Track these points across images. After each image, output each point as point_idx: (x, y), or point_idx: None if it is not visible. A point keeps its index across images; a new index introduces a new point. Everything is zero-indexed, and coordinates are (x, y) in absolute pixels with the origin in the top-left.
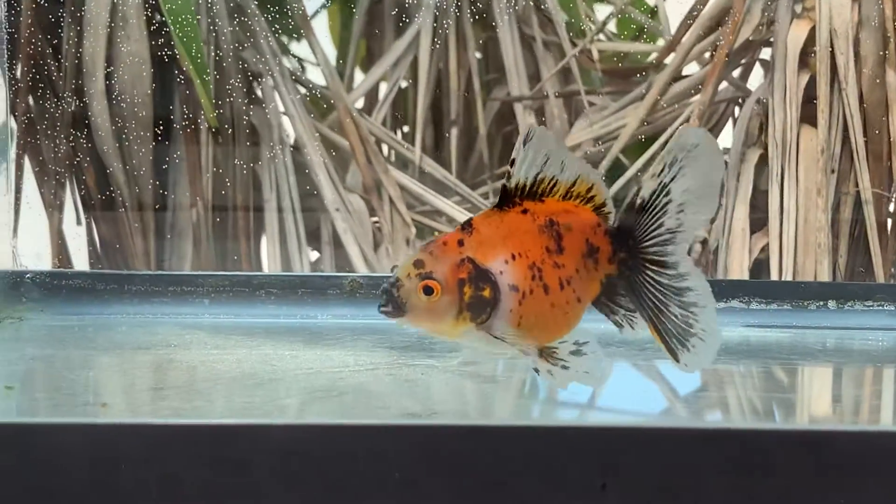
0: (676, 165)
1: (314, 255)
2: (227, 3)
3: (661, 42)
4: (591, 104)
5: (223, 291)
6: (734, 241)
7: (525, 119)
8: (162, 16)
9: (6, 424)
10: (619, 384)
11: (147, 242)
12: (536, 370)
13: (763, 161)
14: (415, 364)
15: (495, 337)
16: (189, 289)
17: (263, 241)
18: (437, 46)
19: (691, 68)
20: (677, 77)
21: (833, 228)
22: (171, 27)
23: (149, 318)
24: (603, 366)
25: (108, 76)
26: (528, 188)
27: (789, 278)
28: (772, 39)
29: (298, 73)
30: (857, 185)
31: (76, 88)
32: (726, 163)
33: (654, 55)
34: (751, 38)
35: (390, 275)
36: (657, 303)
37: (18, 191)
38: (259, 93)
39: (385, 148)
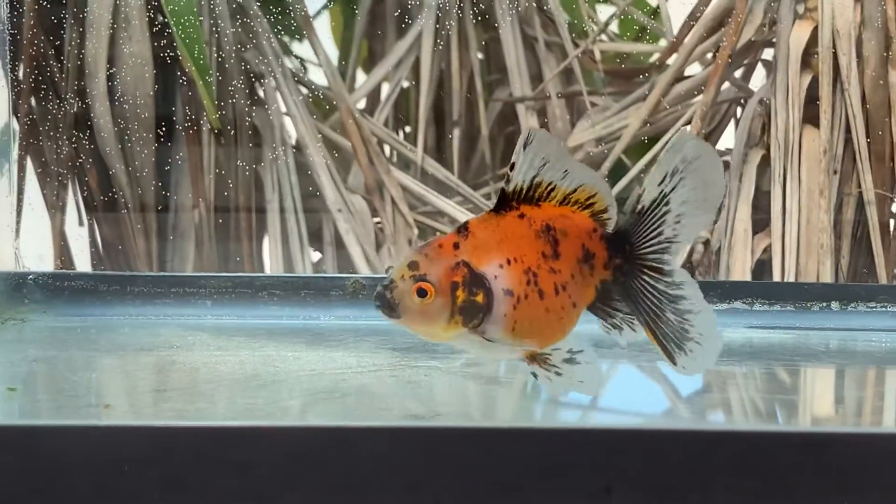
0: (678, 176)
1: (316, 255)
2: (229, 4)
3: (663, 43)
4: (593, 105)
5: (226, 293)
6: (736, 242)
7: (527, 120)
8: (164, 17)
9: (9, 426)
10: (621, 385)
11: (149, 243)
12: (534, 374)
13: (765, 162)
14: (417, 365)
15: (487, 341)
16: (191, 290)
17: (265, 241)
18: (440, 47)
19: (693, 69)
20: (679, 77)
21: (835, 229)
22: (174, 28)
23: (151, 319)
24: (597, 375)
25: (110, 77)
26: (525, 192)
27: (792, 279)
28: (774, 40)
29: (300, 74)
30: (859, 186)
31: (78, 89)
32: (727, 164)
33: (656, 56)
34: (753, 39)
35: (385, 275)
36: (653, 308)
37: (21, 192)
38: (261, 94)
39: (387, 148)
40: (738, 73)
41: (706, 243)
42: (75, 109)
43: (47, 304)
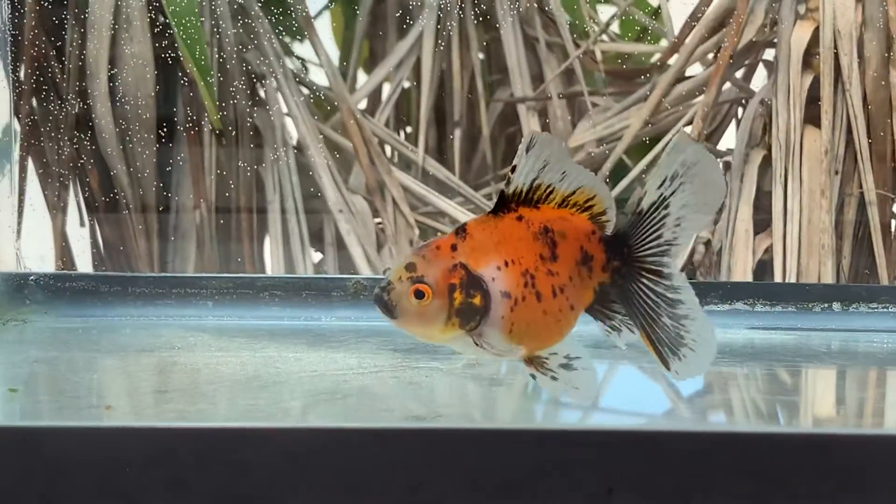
0: (678, 180)
1: (317, 256)
2: (230, 4)
3: (664, 43)
4: (594, 105)
5: (227, 293)
6: (738, 243)
7: (528, 120)
8: (165, 17)
9: (10, 427)
10: (623, 386)
11: (150, 244)
12: (533, 376)
13: (767, 162)
14: (419, 366)
15: (483, 344)
16: (193, 291)
17: (267, 242)
18: (441, 48)
19: (695, 69)
20: (681, 78)
21: (837, 230)
22: (175, 29)
23: (153, 320)
24: (592, 382)
25: (111, 78)
26: (524, 194)
27: (793, 280)
28: (775, 40)
29: (302, 75)
30: (860, 187)
31: (80, 90)
32: (728, 164)
33: (657, 56)
34: (754, 39)
35: (383, 277)
36: (649, 311)
37: (22, 193)
38: (262, 94)
39: (388, 149)
40: (739, 74)
41: (707, 244)
42: (76, 110)
43: (49, 304)
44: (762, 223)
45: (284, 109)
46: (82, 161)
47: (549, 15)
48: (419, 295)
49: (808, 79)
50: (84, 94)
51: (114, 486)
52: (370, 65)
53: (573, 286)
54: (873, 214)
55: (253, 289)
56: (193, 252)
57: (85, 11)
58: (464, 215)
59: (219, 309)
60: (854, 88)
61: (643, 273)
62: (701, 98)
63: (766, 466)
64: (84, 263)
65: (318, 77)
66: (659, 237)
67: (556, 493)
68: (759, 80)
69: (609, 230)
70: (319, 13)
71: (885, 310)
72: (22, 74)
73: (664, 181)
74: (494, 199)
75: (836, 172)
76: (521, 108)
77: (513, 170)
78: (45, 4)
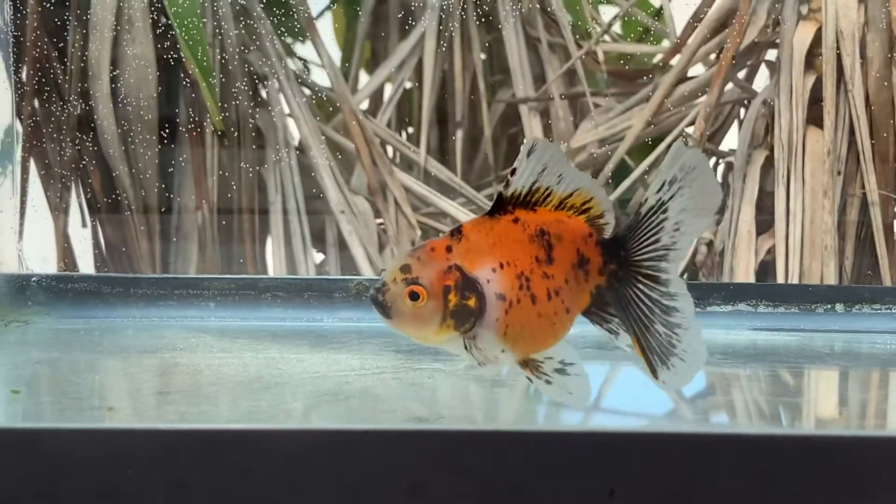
0: (676, 184)
1: (319, 257)
2: (232, 5)
3: (666, 44)
4: (596, 106)
5: (229, 295)
6: (740, 243)
7: (530, 121)
8: (167, 18)
9: (12, 429)
10: (624, 387)
11: (152, 245)
12: (530, 378)
13: (769, 163)
14: (421, 368)
15: (474, 348)
16: (195, 292)
17: (268, 243)
18: (443, 48)
19: (697, 70)
20: (683, 78)
21: (839, 230)
22: (177, 30)
23: (155, 321)
24: (586, 387)
25: (113, 79)
26: (522, 197)
27: (795, 280)
28: (778, 41)
29: (303, 76)
30: (863, 187)
31: (82, 91)
32: (730, 165)
33: (659, 57)
34: (756, 40)
35: (378, 278)
36: (643, 317)
37: (24, 194)
38: (264, 95)
39: (390, 150)
40: (741, 74)
41: (710, 244)
42: (78, 111)
43: (51, 306)
44: (765, 224)
45: (286, 110)
46: (84, 162)
47: (552, 15)
48: (414, 296)
49: (811, 79)
50: (86, 95)
51: (116, 487)
52: (372, 65)
53: (569, 289)
54: (876, 215)
55: (255, 290)
56: (195, 253)
57: (87, 12)
58: (465, 216)
59: (221, 310)
60: (856, 89)
61: (639, 278)
62: (703, 99)
63: (769, 468)
64: (86, 264)
65: (320, 78)
66: (657, 242)
67: (557, 494)
68: (762, 80)
69: (608, 233)
70: (321, 14)
71: (889, 311)
72: (24, 75)
73: (662, 186)
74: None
75: (839, 173)
76: (523, 109)
77: (512, 172)
78: (48, 5)
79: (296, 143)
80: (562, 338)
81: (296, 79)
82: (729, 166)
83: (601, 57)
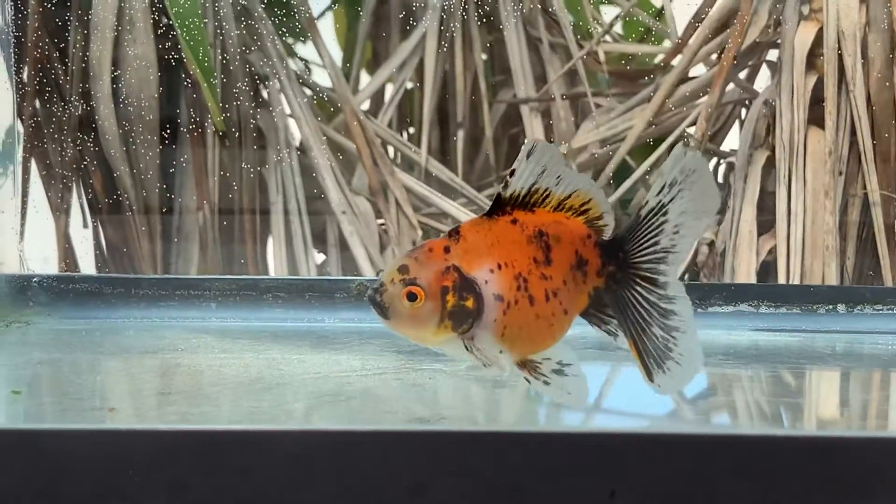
0: (676, 187)
1: (320, 257)
2: (233, 6)
3: (667, 44)
4: (597, 106)
5: (230, 295)
6: (741, 243)
7: (531, 121)
8: (169, 19)
9: (14, 430)
10: (626, 387)
11: (153, 245)
12: (527, 380)
13: (770, 163)
14: (422, 368)
15: (475, 349)
16: (196, 292)
17: (270, 243)
18: (444, 49)
19: (698, 70)
20: (684, 79)
21: (841, 231)
22: (178, 30)
23: (156, 322)
24: (584, 388)
25: (114, 79)
26: (520, 198)
27: (797, 281)
28: (779, 41)
29: (305, 76)
30: (864, 188)
31: (83, 92)
32: (731, 165)
33: (660, 57)
34: (758, 40)
35: (376, 278)
36: (640, 320)
37: (25, 194)
38: (265, 96)
39: (391, 150)
40: (742, 75)
41: (711, 245)
42: (79, 112)
43: (52, 306)
44: (766, 224)
45: (287, 111)
46: (85, 163)
47: (553, 16)
48: (412, 297)
49: (812, 80)
50: (87, 96)
51: (117, 488)
52: (373, 66)
53: (567, 290)
54: (877, 215)
55: (256, 290)
56: (196, 253)
57: (88, 13)
58: (466, 216)
59: (222, 311)
60: (858, 89)
61: (638, 280)
62: (704, 99)
63: (770, 469)
64: (87, 265)
65: (322, 78)
66: (656, 244)
67: (558, 495)
68: (763, 80)
69: (607, 235)
70: (322, 14)
71: (890, 312)
72: (25, 76)
73: (663, 188)
74: None
75: (840, 173)
76: (525, 109)
77: (511, 173)
78: (49, 6)
79: (297, 143)
80: (560, 339)
81: (297, 79)
82: (730, 167)
83: (602, 57)
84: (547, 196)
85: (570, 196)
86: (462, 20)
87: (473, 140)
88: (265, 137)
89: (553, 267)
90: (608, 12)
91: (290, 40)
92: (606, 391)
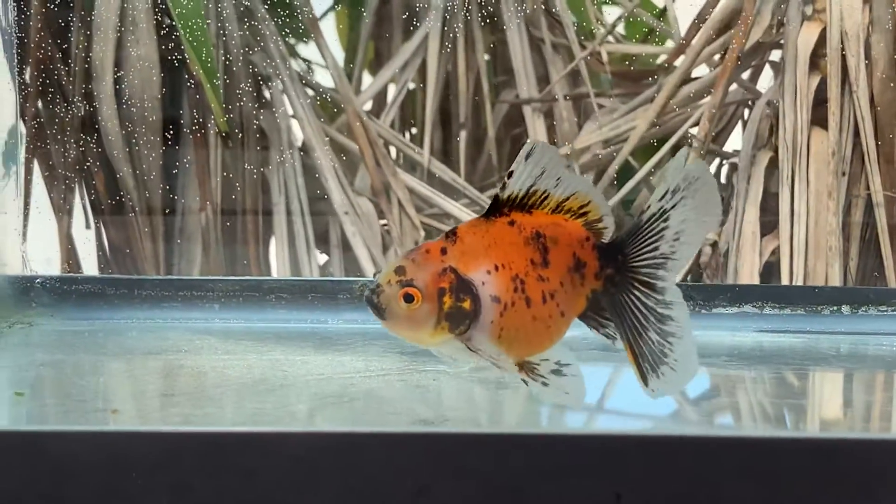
0: (679, 193)
1: (323, 258)
2: (236, 6)
3: (670, 44)
4: (600, 107)
5: (233, 296)
6: (744, 244)
7: (534, 122)
8: (171, 19)
9: (16, 432)
10: (628, 388)
11: (156, 246)
12: (525, 381)
13: (773, 164)
14: (426, 370)
15: (473, 349)
16: (199, 294)
17: (272, 244)
18: (448, 49)
19: (701, 70)
20: (687, 79)
21: (844, 231)
22: (181, 31)
23: (159, 323)
24: (582, 388)
25: (117, 80)
26: (518, 199)
27: (800, 281)
28: (782, 41)
29: (307, 77)
30: (868, 188)
31: (85, 92)
32: (734, 166)
33: (663, 57)
34: (761, 41)
35: (366, 279)
36: (637, 324)
37: (28, 195)
38: (268, 96)
39: (393, 151)
40: (745, 75)
41: (714, 245)
42: (82, 112)
43: (55, 307)
44: (769, 225)
45: (290, 111)
46: (88, 163)
47: (555, 16)
48: (408, 299)
49: (815, 80)
50: (90, 97)
51: (120, 490)
52: (375, 66)
53: (564, 292)
54: (881, 216)
55: (259, 291)
56: (199, 254)
57: (91, 13)
58: (469, 217)
59: (225, 312)
60: (861, 90)
61: (636, 284)
62: (708, 99)
63: (775, 471)
64: (90, 266)
65: (324, 79)
66: (655, 249)
67: (564, 498)
68: (766, 81)
69: (606, 238)
70: (324, 14)
71: (895, 313)
72: (28, 76)
73: (665, 194)
74: None
75: (844, 174)
76: (527, 110)
77: (509, 175)
78: (51, 6)
79: (299, 144)
80: (557, 341)
81: (299, 80)
82: (733, 167)
83: (605, 58)
84: (545, 198)
85: (568, 198)
86: (465, 21)
87: (476, 140)
88: (268, 138)
89: (550, 269)
90: (611, 13)
91: (292, 41)
92: (610, 392)
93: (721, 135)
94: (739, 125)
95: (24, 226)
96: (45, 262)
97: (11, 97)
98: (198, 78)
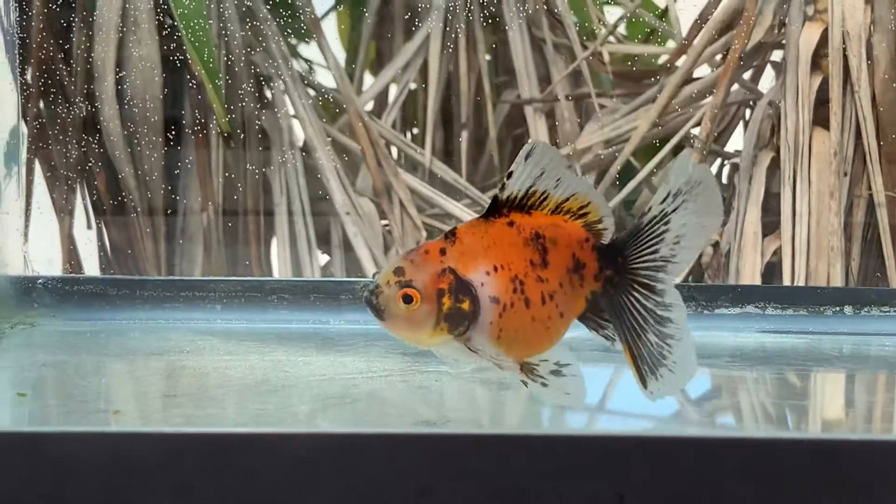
0: (680, 197)
1: (324, 258)
2: (237, 7)
3: (672, 44)
4: (602, 107)
5: (235, 297)
6: (746, 245)
7: (535, 122)
8: (173, 20)
9: (18, 433)
10: (631, 389)
11: (157, 247)
12: (525, 382)
13: (775, 164)
14: (428, 370)
15: (472, 350)
16: (201, 294)
17: (274, 244)
18: (450, 50)
19: (703, 70)
20: (689, 79)
21: (846, 232)
22: (183, 31)
23: (161, 323)
24: (582, 388)
25: (119, 80)
26: (517, 200)
27: (802, 282)
28: (784, 42)
29: (309, 77)
30: (869, 188)
31: (87, 93)
32: (736, 166)
33: (665, 57)
34: (763, 41)
35: (371, 280)
36: (636, 326)
37: (29, 195)
38: (270, 96)
39: (395, 151)
40: (747, 75)
41: (715, 246)
42: (84, 113)
43: (57, 308)
44: (771, 225)
45: (292, 112)
46: (90, 164)
47: (557, 16)
48: (407, 299)
49: (817, 80)
50: (91, 97)
51: (122, 491)
52: (377, 66)
53: (563, 293)
54: (882, 216)
55: (261, 292)
56: (200, 255)
57: (92, 14)
58: (470, 217)
59: (227, 312)
60: (863, 90)
61: (635, 286)
62: (709, 100)
63: (776, 472)
64: (91, 266)
65: (326, 79)
66: (655, 252)
67: (567, 499)
68: (768, 81)
69: (606, 239)
70: (325, 14)
71: None
72: (29, 77)
73: (667, 197)
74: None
75: (845, 174)
76: (529, 110)
77: (509, 175)
78: (53, 7)
79: (301, 144)
80: (556, 342)
81: (301, 80)
82: (735, 167)
83: (607, 58)
84: (545, 199)
85: (568, 199)
86: (466, 21)
87: (477, 141)
88: (269, 138)
89: (549, 270)
90: (612, 13)
91: (294, 41)
92: (611, 392)
93: (723, 135)
94: (741, 125)
95: (26, 226)
96: (47, 262)
97: (13, 97)
98: (199, 78)
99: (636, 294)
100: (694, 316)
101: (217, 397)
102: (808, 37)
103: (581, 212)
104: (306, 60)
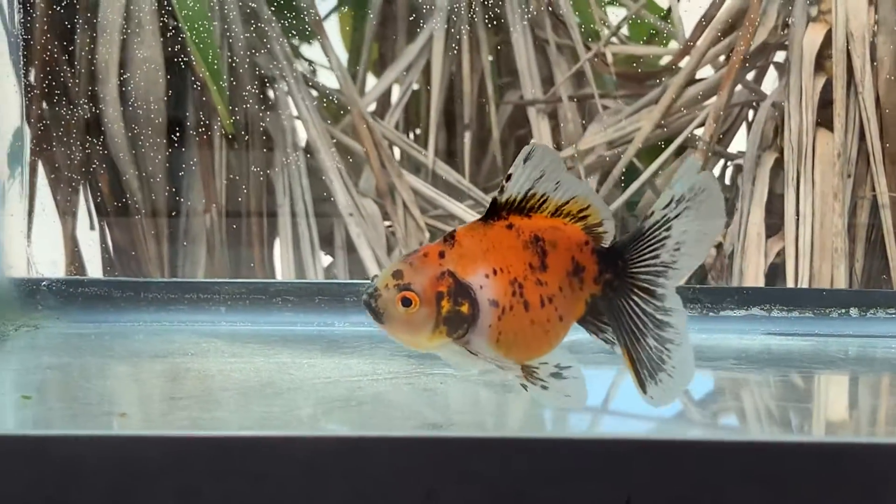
0: (683, 203)
1: (327, 259)
2: (241, 8)
3: (675, 45)
4: (605, 108)
5: (240, 299)
6: (749, 246)
7: (538, 123)
8: (177, 21)
9: (23, 436)
10: (633, 391)
11: (161, 248)
12: (524, 385)
13: (779, 165)
14: (433, 373)
15: (472, 352)
16: (205, 296)
17: (277, 245)
18: (454, 51)
19: (706, 71)
20: (692, 80)
21: (849, 233)
22: (186, 32)
23: (165, 325)
24: (583, 390)
25: (122, 82)
26: (517, 203)
27: (805, 283)
28: (787, 42)
29: (312, 78)
30: (873, 190)
31: (90, 94)
32: (739, 167)
33: (668, 58)
34: (766, 42)
35: (370, 283)
36: (635, 330)
37: (33, 197)
38: (273, 98)
39: (398, 152)
40: (750, 76)
41: (719, 247)
42: (87, 114)
43: (61, 310)
44: (774, 226)
45: (295, 113)
46: (93, 165)
47: (560, 17)
48: (406, 303)
49: (821, 81)
50: (95, 98)
51: (127, 494)
52: (380, 68)
53: (563, 296)
54: (886, 217)
55: (266, 294)
56: (204, 256)
57: (96, 15)
58: (473, 218)
59: (232, 314)
60: (867, 91)
61: (635, 290)
62: (713, 100)
63: (781, 475)
64: (94, 268)
65: (329, 80)
66: (656, 257)
67: (569, 502)
68: (771, 82)
69: (606, 242)
70: (328, 15)
71: None
72: (33, 78)
73: (670, 202)
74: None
75: (849, 175)
76: (532, 111)
77: (508, 178)
78: (56, 8)
79: (304, 145)
80: (556, 345)
81: (304, 81)
82: (738, 169)
83: (610, 59)
84: (544, 201)
85: (568, 202)
86: (469, 22)
87: (480, 142)
88: (272, 140)
89: (549, 273)
90: (616, 14)
91: (297, 42)
92: (614, 395)
93: (726, 136)
94: (744, 126)
95: (29, 228)
96: (51, 264)
97: (17, 99)
98: (203, 79)
99: (636, 298)
100: (699, 318)
101: (222, 400)
102: (812, 38)
103: (581, 215)
104: (309, 62)
